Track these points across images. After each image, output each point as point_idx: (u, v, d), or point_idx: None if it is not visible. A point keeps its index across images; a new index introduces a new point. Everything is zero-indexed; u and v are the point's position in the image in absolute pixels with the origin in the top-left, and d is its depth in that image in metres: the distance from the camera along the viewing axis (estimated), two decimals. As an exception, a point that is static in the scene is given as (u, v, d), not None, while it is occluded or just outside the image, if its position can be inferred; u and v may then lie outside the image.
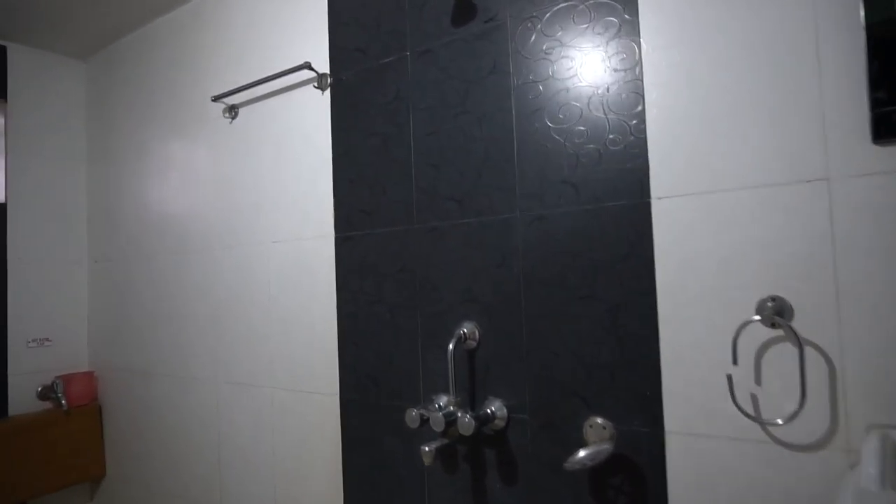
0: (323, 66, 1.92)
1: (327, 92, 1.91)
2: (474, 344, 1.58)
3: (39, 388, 2.68)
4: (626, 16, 1.35)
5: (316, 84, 1.92)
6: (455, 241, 1.62)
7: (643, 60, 1.33)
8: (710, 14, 1.25)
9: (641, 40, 1.33)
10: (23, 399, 2.64)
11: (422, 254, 1.69)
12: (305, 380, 1.96)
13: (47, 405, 2.69)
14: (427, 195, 1.68)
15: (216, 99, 2.16)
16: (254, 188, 2.14)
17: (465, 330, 1.58)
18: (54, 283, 2.79)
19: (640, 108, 1.33)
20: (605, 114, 1.38)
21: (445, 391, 1.63)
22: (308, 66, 1.88)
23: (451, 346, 1.54)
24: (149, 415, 2.57)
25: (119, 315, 2.73)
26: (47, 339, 2.75)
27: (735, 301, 1.21)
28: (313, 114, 1.95)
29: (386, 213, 1.77)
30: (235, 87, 2.12)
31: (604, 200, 1.38)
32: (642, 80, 1.33)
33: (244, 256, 2.17)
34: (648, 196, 1.32)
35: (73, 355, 2.84)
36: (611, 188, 1.37)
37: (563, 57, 1.44)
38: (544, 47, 1.47)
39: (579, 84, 1.41)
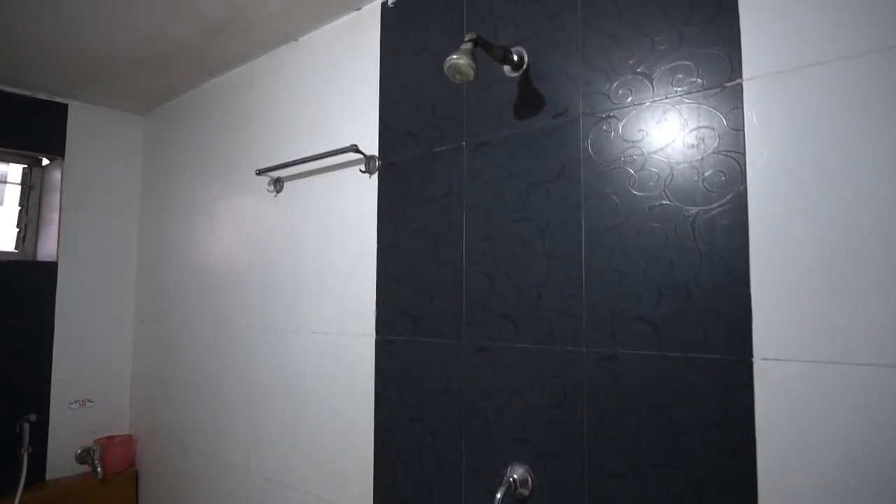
0: (371, 147, 1.74)
1: (375, 176, 1.73)
2: (526, 493, 1.34)
3: (79, 451, 2.61)
4: (729, 126, 1.10)
5: (363, 167, 1.74)
6: (508, 367, 1.39)
7: (748, 184, 1.07)
8: (841, 129, 0.98)
9: (747, 158, 1.07)
10: (62, 461, 2.58)
11: (470, 375, 1.46)
12: (338, 491, 1.77)
13: (85, 468, 2.62)
14: (479, 308, 1.46)
15: (261, 172, 2.03)
16: (295, 271, 1.98)
17: (516, 476, 1.35)
18: (100, 341, 2.74)
19: (741, 241, 1.07)
20: (696, 243, 1.12)
21: (490, 539, 1.39)
22: (355, 148, 1.70)
23: (499, 495, 1.31)
24: (184, 488, 2.44)
25: (161, 379, 2.64)
26: (90, 400, 2.69)
27: (866, 510, 0.92)
28: (359, 199, 1.77)
29: (432, 320, 1.56)
30: (281, 162, 1.98)
31: (691, 349, 1.12)
32: (746, 209, 1.07)
33: (282, 343, 2.01)
34: (750, 354, 1.05)
35: (115, 417, 2.77)
36: (701, 336, 1.11)
37: (645, 168, 1.20)
38: (623, 154, 1.23)
39: (664, 203, 1.16)
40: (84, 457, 2.60)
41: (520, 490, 1.34)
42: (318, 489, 1.83)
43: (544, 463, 1.31)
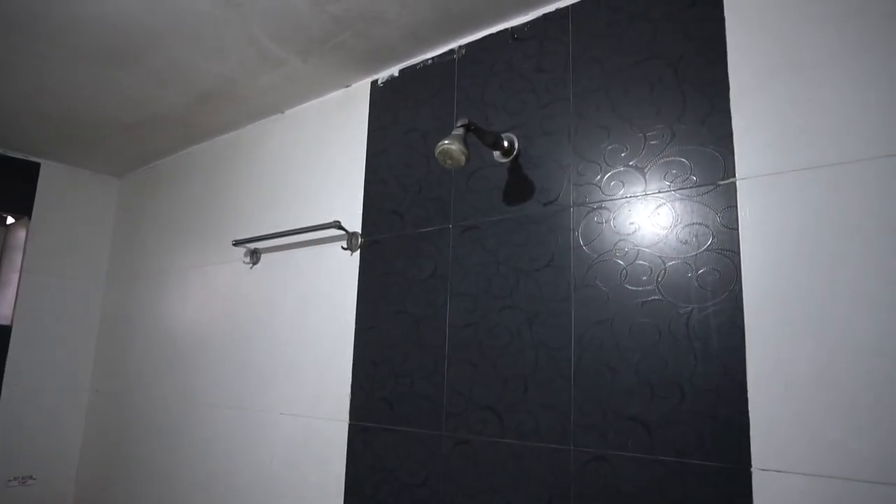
0: (354, 223, 1.70)
1: (357, 254, 1.68)
2: None
3: (13, 535, 2.39)
4: (722, 224, 1.09)
5: (345, 244, 1.70)
6: (491, 463, 1.31)
7: (744, 283, 1.05)
8: (837, 232, 0.97)
9: (742, 257, 1.06)
10: (-8, 547, 2.35)
11: (449, 470, 1.38)
12: (298, 593, 1.62)
13: (19, 554, 2.38)
14: (461, 398, 1.39)
15: (238, 243, 1.97)
16: (268, 347, 1.89)
17: (497, 585, 1.24)
18: (49, 413, 2.56)
19: (737, 343, 1.04)
20: (690, 342, 1.09)
21: None
22: (338, 224, 1.67)
23: None
24: (125, 582, 2.23)
25: (113, 456, 2.45)
26: (31, 477, 2.48)
27: None
28: (339, 276, 1.72)
29: (411, 408, 1.48)
30: (260, 234, 1.93)
31: (686, 455, 1.06)
32: (742, 309, 1.04)
33: (248, 423, 1.89)
34: (749, 464, 1.00)
35: (58, 496, 2.55)
36: (697, 440, 1.06)
37: (637, 261, 1.18)
38: (615, 246, 1.21)
39: (657, 298, 1.14)
40: (19, 541, 2.37)
41: None
42: (276, 589, 1.68)
43: (528, 572, 1.22)
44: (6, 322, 2.47)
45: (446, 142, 1.24)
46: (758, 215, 1.05)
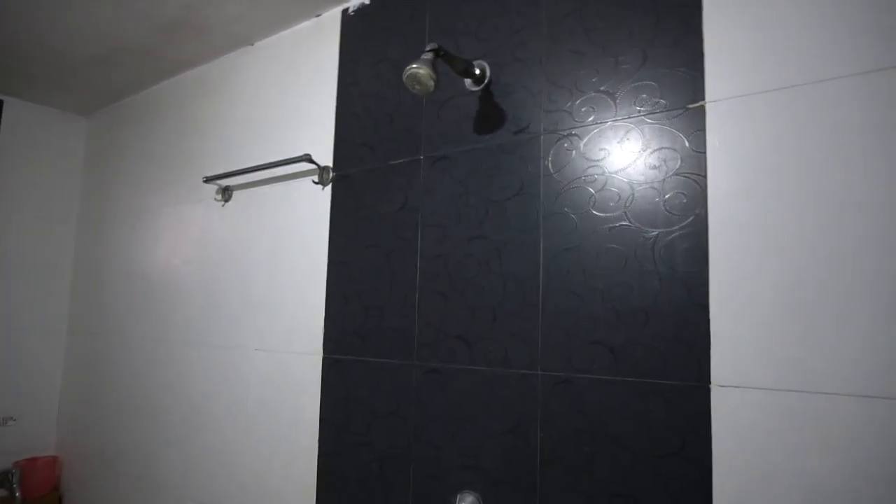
0: (326, 157, 1.67)
1: (328, 188, 1.66)
2: (475, 523, 1.27)
3: (-4, 473, 2.41)
4: (691, 147, 1.08)
5: (316, 178, 1.67)
6: (460, 390, 1.33)
7: (710, 207, 1.05)
8: (805, 155, 0.97)
9: (708, 181, 1.06)
10: (-24, 484, 2.37)
11: (420, 398, 1.40)
12: (276, 520, 1.66)
13: (2, 492, 2.41)
14: (432, 328, 1.40)
15: (208, 180, 1.93)
16: (241, 284, 1.88)
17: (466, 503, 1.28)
18: (27, 355, 2.55)
19: (701, 266, 1.05)
20: (655, 266, 1.09)
21: (436, 572, 1.32)
22: (308, 158, 1.63)
23: (445, 526, 1.24)
24: (111, 514, 2.27)
25: (92, 396, 2.46)
26: (11, 418, 2.49)
27: (824, 547, 0.90)
28: (311, 211, 1.70)
29: (382, 340, 1.49)
30: (231, 169, 1.89)
31: (648, 375, 1.08)
32: (707, 232, 1.05)
33: (223, 360, 1.90)
34: (708, 381, 1.02)
35: (39, 437, 2.57)
36: (659, 362, 1.07)
37: (606, 188, 1.17)
38: (584, 173, 1.20)
39: (625, 224, 1.14)
40: (1, 480, 2.40)
41: (469, 520, 1.27)
42: (255, 517, 1.72)
43: (496, 490, 1.25)
44: (-24, 264, 2.43)
45: (414, 66, 1.20)
46: (725, 138, 1.04)
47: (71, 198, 2.72)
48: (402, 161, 1.51)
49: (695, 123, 1.08)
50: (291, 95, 1.83)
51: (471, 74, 1.38)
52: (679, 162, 1.09)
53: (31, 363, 2.56)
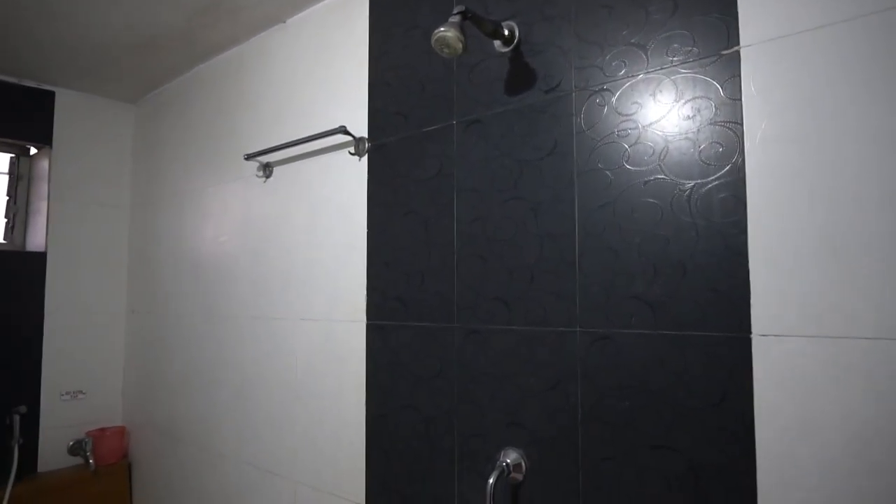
0: (361, 128, 1.70)
1: (364, 158, 1.69)
2: (519, 478, 1.31)
3: (70, 443, 2.58)
4: (726, 95, 1.06)
5: (352, 150, 1.70)
6: (500, 350, 1.36)
7: (746, 155, 1.03)
8: (844, 96, 0.94)
9: (745, 129, 1.03)
10: (54, 454, 2.55)
11: (461, 360, 1.43)
12: (329, 480, 1.73)
13: (78, 460, 2.59)
14: (471, 291, 1.42)
15: (249, 157, 1.99)
16: (284, 257, 1.94)
17: (509, 460, 1.31)
18: (92, 332, 2.70)
19: (739, 215, 1.03)
20: (692, 218, 1.08)
21: (484, 526, 1.36)
22: (343, 130, 1.66)
23: (491, 481, 1.27)
24: (176, 479, 2.41)
25: (152, 371, 2.60)
26: (81, 392, 2.65)
27: (865, 491, 0.89)
28: (349, 182, 1.73)
29: (422, 305, 1.52)
30: (270, 146, 1.94)
31: (688, 328, 1.08)
32: (744, 181, 1.03)
33: (272, 331, 1.97)
34: (749, 331, 1.01)
35: (107, 408, 2.73)
36: (698, 314, 1.07)
37: (639, 142, 1.16)
38: (617, 128, 1.19)
39: (660, 177, 1.13)
40: (76, 449, 2.57)
41: (513, 475, 1.31)
42: (309, 478, 1.80)
43: (538, 447, 1.28)
44: (41, 249, 2.57)
45: (442, 29, 1.21)
46: (761, 83, 1.02)
47: (123, 183, 2.84)
48: (435, 127, 1.52)
49: (729, 70, 1.05)
50: (325, 69, 1.86)
51: (500, 36, 1.37)
52: (714, 111, 1.07)
53: (96, 341, 2.71)
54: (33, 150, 2.69)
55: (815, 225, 0.95)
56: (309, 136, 1.77)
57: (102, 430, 2.64)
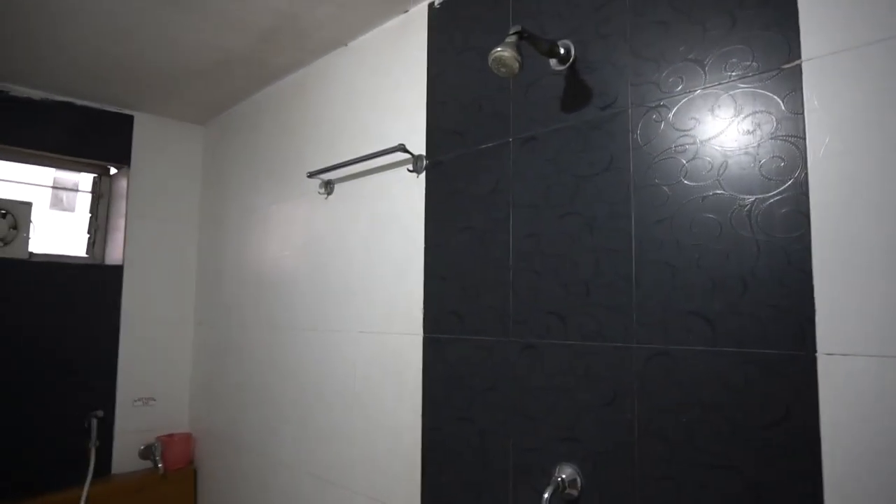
0: (419, 147, 1.75)
1: (422, 175, 1.74)
2: (575, 494, 1.30)
3: (142, 447, 2.72)
4: (787, 110, 1.05)
5: (411, 167, 1.75)
6: (555, 364, 1.36)
7: (809, 169, 1.01)
8: (911, 113, 0.92)
9: (808, 143, 1.02)
10: (126, 457, 2.69)
11: (517, 374, 1.44)
12: (385, 490, 1.77)
13: (148, 464, 2.72)
14: (526, 305, 1.43)
15: (312, 175, 2.07)
16: (344, 271, 2.01)
17: (564, 476, 1.31)
18: (162, 343, 2.85)
19: (802, 230, 1.01)
20: (752, 234, 1.07)
21: (539, 541, 1.36)
22: (402, 147, 1.72)
23: (546, 496, 1.27)
24: (238, 485, 2.50)
25: (216, 381, 2.72)
26: (152, 399, 2.79)
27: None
28: (407, 198, 1.78)
29: (479, 318, 1.54)
30: (331, 164, 2.02)
31: (748, 345, 1.06)
32: (807, 195, 1.01)
33: (331, 343, 2.04)
34: (814, 350, 0.99)
35: (175, 415, 2.87)
36: (759, 331, 1.05)
37: (697, 157, 1.15)
38: (674, 144, 1.19)
39: (719, 192, 1.12)
40: (146, 453, 2.70)
41: (568, 490, 1.31)
42: (366, 488, 1.84)
43: (593, 463, 1.28)
44: (119, 262, 2.74)
45: (499, 49, 1.24)
46: (824, 97, 1.00)
47: (192, 200, 3.00)
48: (491, 145, 1.55)
49: (790, 84, 1.04)
50: (384, 89, 1.92)
51: (555, 54, 1.39)
52: (774, 125, 1.06)
53: (166, 351, 2.86)
54: (113, 170, 2.87)
55: (882, 240, 0.93)
56: (369, 154, 1.83)
57: (171, 435, 2.76)
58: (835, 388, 0.96)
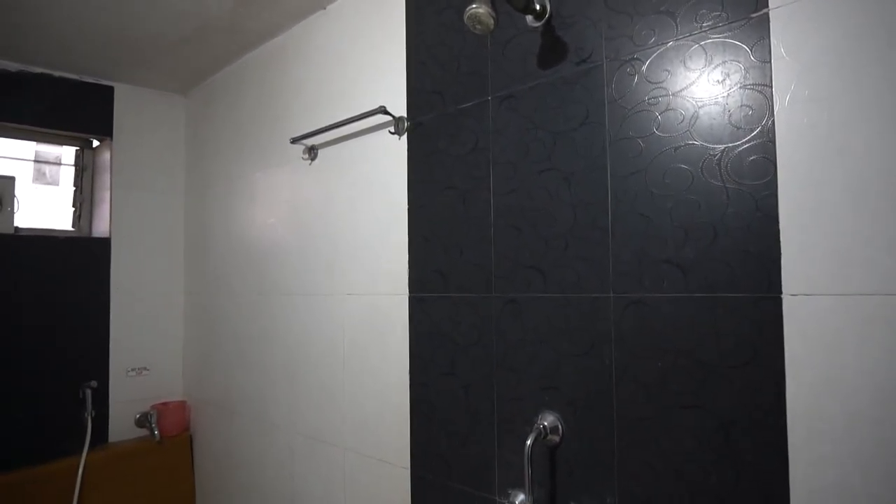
0: (400, 108, 1.76)
1: (404, 137, 1.75)
2: (556, 440, 1.36)
3: (137, 416, 2.76)
4: (755, 59, 1.07)
5: (392, 129, 1.77)
6: (536, 317, 1.40)
7: (776, 117, 1.04)
8: (872, 55, 0.94)
9: (774, 91, 1.04)
10: (122, 425, 2.74)
11: (499, 328, 1.48)
12: (376, 446, 1.82)
13: (144, 432, 2.77)
14: (507, 261, 1.47)
15: (295, 141, 2.08)
16: (330, 235, 2.03)
17: (546, 423, 1.36)
18: (153, 312, 2.87)
19: (770, 177, 1.04)
20: (722, 182, 1.10)
21: (523, 486, 1.41)
22: (383, 110, 1.73)
23: (528, 442, 1.32)
24: (234, 450, 2.56)
25: (208, 349, 2.75)
26: (145, 368, 2.83)
27: (890, 440, 0.90)
28: (390, 160, 1.80)
29: (462, 276, 1.58)
30: (314, 129, 2.02)
31: (719, 290, 1.10)
32: (774, 142, 1.04)
33: (318, 307, 2.07)
34: (779, 291, 1.03)
35: (169, 384, 2.91)
36: (728, 276, 1.09)
37: (670, 108, 1.18)
38: (647, 96, 1.21)
39: (690, 142, 1.14)
40: (142, 421, 2.74)
41: (550, 437, 1.36)
42: (357, 445, 1.89)
43: (574, 410, 1.32)
44: (105, 235, 2.74)
45: (474, 6, 1.24)
46: (790, 45, 1.02)
47: (177, 171, 3.00)
48: (470, 104, 1.57)
49: (758, 32, 1.06)
50: (365, 51, 1.92)
51: (531, 10, 1.40)
52: (743, 73, 1.08)
53: (156, 321, 2.89)
54: (95, 143, 2.86)
55: (845, 184, 0.96)
56: (350, 118, 1.84)
57: (165, 403, 2.81)
58: (799, 326, 1.01)
